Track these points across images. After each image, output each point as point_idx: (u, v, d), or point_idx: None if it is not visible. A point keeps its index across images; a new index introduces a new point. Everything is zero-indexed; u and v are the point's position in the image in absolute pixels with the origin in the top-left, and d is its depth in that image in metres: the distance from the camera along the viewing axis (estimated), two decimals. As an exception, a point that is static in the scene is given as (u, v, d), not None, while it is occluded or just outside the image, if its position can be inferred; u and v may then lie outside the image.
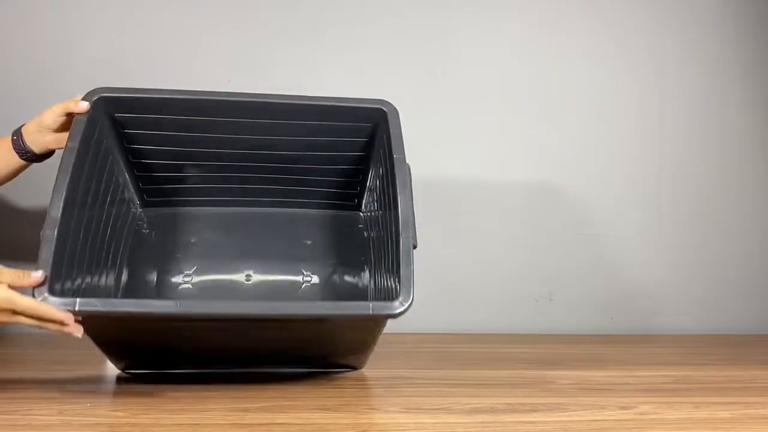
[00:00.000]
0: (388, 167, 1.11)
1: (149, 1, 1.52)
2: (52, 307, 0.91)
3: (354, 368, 1.18)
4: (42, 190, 1.09)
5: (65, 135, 1.08)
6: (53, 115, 1.11)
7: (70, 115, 1.10)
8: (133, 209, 1.27)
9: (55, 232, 0.96)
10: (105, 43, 1.51)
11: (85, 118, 1.08)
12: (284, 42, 1.55)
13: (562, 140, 1.63)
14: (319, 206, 1.32)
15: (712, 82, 1.66)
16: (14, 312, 0.91)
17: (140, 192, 1.28)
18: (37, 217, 1.38)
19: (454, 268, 1.60)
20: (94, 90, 1.12)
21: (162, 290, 1.24)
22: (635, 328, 1.63)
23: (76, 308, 0.91)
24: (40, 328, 0.93)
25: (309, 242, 1.31)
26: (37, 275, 0.92)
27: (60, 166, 1.03)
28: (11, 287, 0.91)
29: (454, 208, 1.60)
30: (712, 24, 1.66)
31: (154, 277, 1.25)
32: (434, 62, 1.59)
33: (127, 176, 1.24)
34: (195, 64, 1.53)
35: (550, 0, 1.61)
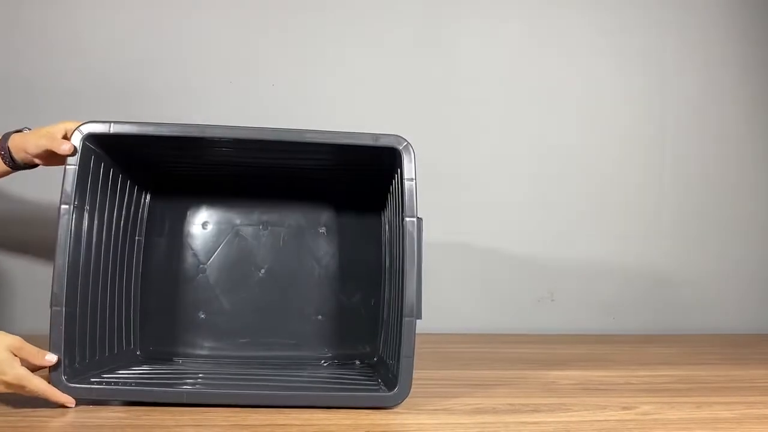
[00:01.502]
0: (401, 224, 1.05)
1: (150, 3, 1.52)
2: (57, 391, 0.96)
3: None
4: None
5: (51, 157, 1.05)
6: (36, 149, 1.06)
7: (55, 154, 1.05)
8: (138, 240, 1.24)
9: (63, 309, 0.98)
10: (105, 43, 1.51)
11: (75, 170, 1.01)
12: (286, 42, 1.55)
13: (564, 140, 1.63)
14: (341, 216, 1.29)
15: (712, 81, 1.66)
16: (22, 389, 0.95)
17: (150, 183, 1.24)
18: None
19: (455, 268, 1.60)
20: (80, 127, 1.03)
21: (180, 279, 1.24)
22: (637, 328, 1.63)
23: (92, 397, 0.97)
24: None
25: (323, 231, 1.28)
26: (52, 359, 0.97)
27: (60, 218, 1.00)
28: (28, 361, 0.95)
29: (455, 207, 1.60)
30: (713, 23, 1.66)
31: (167, 274, 1.25)
32: (436, 62, 1.59)
33: (132, 203, 1.20)
34: (195, 66, 1.53)
35: (551, 1, 1.61)
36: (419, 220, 1.02)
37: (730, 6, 1.66)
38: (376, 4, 1.58)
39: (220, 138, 1.05)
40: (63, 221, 0.99)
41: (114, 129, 1.02)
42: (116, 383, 1.03)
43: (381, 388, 1.02)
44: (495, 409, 1.00)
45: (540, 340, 1.51)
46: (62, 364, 0.97)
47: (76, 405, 0.96)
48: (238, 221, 1.26)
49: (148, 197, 1.24)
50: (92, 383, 1.00)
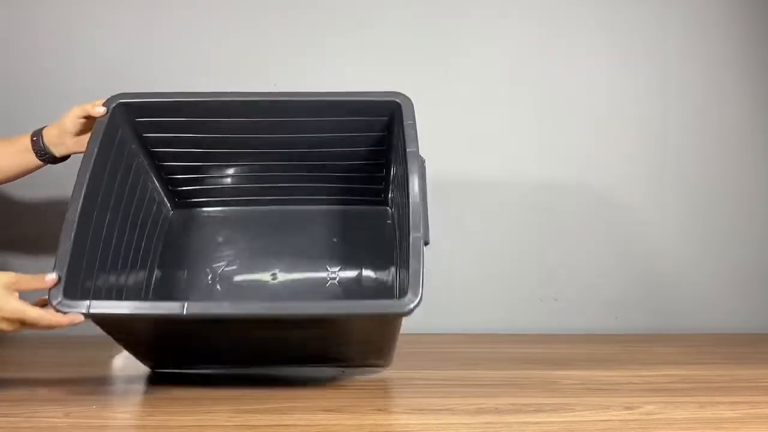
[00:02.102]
0: (404, 160, 1.10)
1: (150, 3, 1.52)
2: (58, 315, 0.93)
3: (380, 366, 1.17)
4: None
5: (86, 138, 1.10)
6: (73, 118, 1.13)
7: (89, 118, 1.13)
8: (164, 211, 1.29)
9: (72, 234, 0.98)
10: (110, 45, 1.51)
11: (104, 123, 1.10)
12: (287, 41, 1.55)
13: (566, 140, 1.62)
14: (344, 203, 1.32)
15: (714, 80, 1.66)
16: (23, 323, 0.93)
17: (170, 194, 1.29)
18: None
19: (457, 267, 1.60)
20: (113, 96, 1.14)
21: (191, 290, 1.26)
22: (640, 328, 1.63)
23: (89, 311, 0.93)
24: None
25: (335, 239, 1.30)
26: (52, 277, 0.94)
27: (80, 170, 1.04)
28: (28, 290, 0.95)
29: (457, 207, 1.60)
30: (714, 22, 1.65)
31: (183, 275, 1.27)
32: (439, 62, 1.59)
33: (155, 180, 1.25)
34: (196, 66, 1.53)
35: (552, 0, 1.61)
36: (422, 159, 1.07)
37: (732, 4, 1.66)
38: (378, 3, 1.58)
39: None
40: (87, 158, 1.05)
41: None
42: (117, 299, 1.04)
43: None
44: (498, 410, 1.00)
45: (543, 339, 1.51)
46: (62, 282, 0.94)
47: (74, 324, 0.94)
48: None
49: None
50: (91, 299, 0.96)
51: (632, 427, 0.95)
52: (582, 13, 1.62)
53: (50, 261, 0.96)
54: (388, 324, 1.02)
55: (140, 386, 1.08)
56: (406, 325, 1.56)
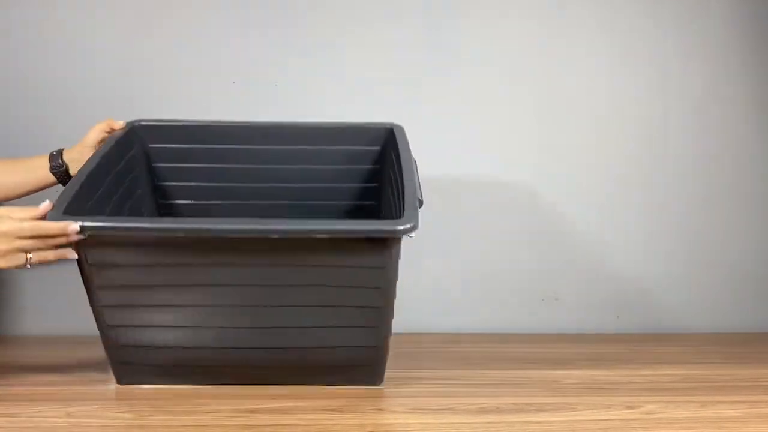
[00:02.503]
0: (398, 177, 1.12)
1: (151, 3, 1.52)
2: (51, 222, 0.94)
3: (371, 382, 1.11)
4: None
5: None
6: (97, 132, 1.21)
7: (112, 132, 1.22)
8: None
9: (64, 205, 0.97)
10: (105, 43, 1.51)
11: (114, 140, 1.17)
12: (288, 41, 1.55)
13: (566, 140, 1.62)
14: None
15: (714, 80, 1.65)
16: (19, 237, 0.94)
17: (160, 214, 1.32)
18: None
19: (458, 267, 1.60)
20: (132, 122, 1.26)
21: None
22: (641, 327, 1.63)
23: (84, 223, 0.94)
24: (45, 255, 0.96)
25: None
26: (46, 204, 0.97)
27: (85, 163, 1.09)
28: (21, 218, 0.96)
29: (458, 207, 1.60)
30: (714, 22, 1.65)
31: None
32: (437, 63, 1.59)
33: (152, 202, 1.30)
34: (197, 66, 1.53)
35: (552, 0, 1.61)
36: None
37: (732, 4, 1.65)
38: (378, 3, 1.58)
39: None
40: (90, 161, 1.10)
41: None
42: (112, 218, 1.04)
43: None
44: (499, 409, 1.00)
45: (544, 339, 1.51)
46: (66, 203, 0.96)
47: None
48: None
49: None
50: (89, 217, 0.96)
51: (633, 426, 0.95)
52: (582, 13, 1.62)
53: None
54: (381, 254, 0.98)
55: (141, 386, 1.08)
56: (406, 324, 1.57)
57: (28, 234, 0.94)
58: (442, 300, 1.60)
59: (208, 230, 0.95)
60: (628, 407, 1.03)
